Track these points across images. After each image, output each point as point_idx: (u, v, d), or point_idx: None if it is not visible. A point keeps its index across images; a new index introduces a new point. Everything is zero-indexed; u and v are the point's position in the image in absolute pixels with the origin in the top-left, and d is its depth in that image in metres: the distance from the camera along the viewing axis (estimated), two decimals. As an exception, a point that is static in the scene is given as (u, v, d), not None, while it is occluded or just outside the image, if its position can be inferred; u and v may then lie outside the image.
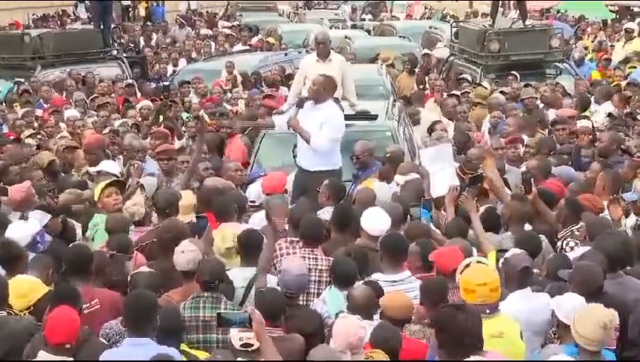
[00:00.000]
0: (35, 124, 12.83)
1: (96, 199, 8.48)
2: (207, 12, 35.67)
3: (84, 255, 6.86)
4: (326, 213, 8.24)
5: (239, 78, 16.91)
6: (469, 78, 16.13)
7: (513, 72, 15.57)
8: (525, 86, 14.41)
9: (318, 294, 7.10)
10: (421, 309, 6.42)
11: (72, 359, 5.62)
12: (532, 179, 8.42)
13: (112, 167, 9.79)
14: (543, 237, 7.62)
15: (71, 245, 7.45)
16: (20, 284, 6.64)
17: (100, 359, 5.65)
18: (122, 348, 5.76)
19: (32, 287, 6.64)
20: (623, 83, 14.93)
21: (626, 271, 6.82)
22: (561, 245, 7.81)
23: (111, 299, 6.62)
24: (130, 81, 15.98)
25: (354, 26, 31.42)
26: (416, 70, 17.32)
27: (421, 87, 15.46)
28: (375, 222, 7.54)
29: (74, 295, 6.15)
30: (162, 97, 13.66)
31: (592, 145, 10.66)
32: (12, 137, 11.71)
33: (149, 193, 8.83)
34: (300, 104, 9.81)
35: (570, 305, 6.01)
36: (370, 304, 6.32)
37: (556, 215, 8.11)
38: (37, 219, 7.67)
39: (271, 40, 23.35)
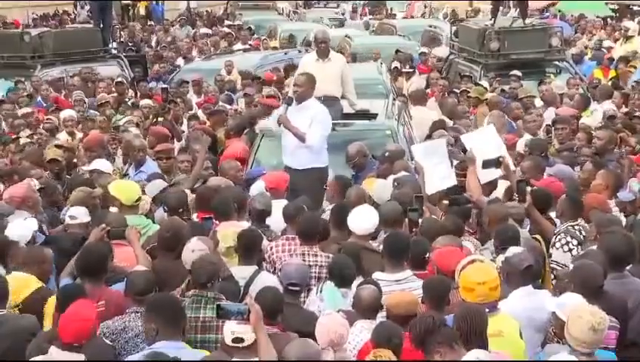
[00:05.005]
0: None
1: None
2: (206, 12, 35.66)
3: (99, 255, 6.80)
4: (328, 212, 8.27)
5: (239, 78, 16.87)
6: (473, 75, 16.07)
7: (515, 72, 15.44)
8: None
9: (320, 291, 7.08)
10: (423, 307, 6.45)
11: (82, 356, 5.56)
12: (526, 188, 8.28)
13: (105, 165, 9.94)
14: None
15: (86, 244, 7.20)
16: (11, 282, 6.58)
17: None
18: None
19: (21, 285, 6.58)
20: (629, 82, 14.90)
21: (630, 270, 6.79)
22: (554, 241, 7.72)
23: (117, 299, 6.58)
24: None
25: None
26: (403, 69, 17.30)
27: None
28: (360, 221, 7.58)
29: (82, 294, 6.13)
30: (162, 98, 13.61)
31: (589, 145, 10.60)
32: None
33: (150, 193, 8.91)
34: (289, 102, 9.90)
35: (573, 305, 5.96)
36: (377, 304, 6.33)
37: (556, 210, 8.02)
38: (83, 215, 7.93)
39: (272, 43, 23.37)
